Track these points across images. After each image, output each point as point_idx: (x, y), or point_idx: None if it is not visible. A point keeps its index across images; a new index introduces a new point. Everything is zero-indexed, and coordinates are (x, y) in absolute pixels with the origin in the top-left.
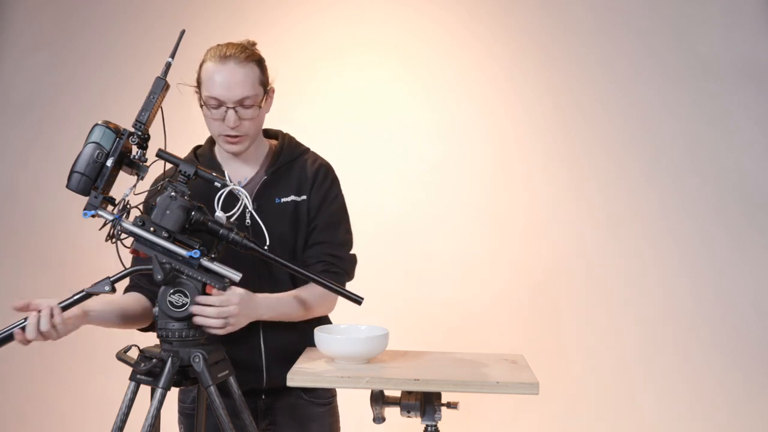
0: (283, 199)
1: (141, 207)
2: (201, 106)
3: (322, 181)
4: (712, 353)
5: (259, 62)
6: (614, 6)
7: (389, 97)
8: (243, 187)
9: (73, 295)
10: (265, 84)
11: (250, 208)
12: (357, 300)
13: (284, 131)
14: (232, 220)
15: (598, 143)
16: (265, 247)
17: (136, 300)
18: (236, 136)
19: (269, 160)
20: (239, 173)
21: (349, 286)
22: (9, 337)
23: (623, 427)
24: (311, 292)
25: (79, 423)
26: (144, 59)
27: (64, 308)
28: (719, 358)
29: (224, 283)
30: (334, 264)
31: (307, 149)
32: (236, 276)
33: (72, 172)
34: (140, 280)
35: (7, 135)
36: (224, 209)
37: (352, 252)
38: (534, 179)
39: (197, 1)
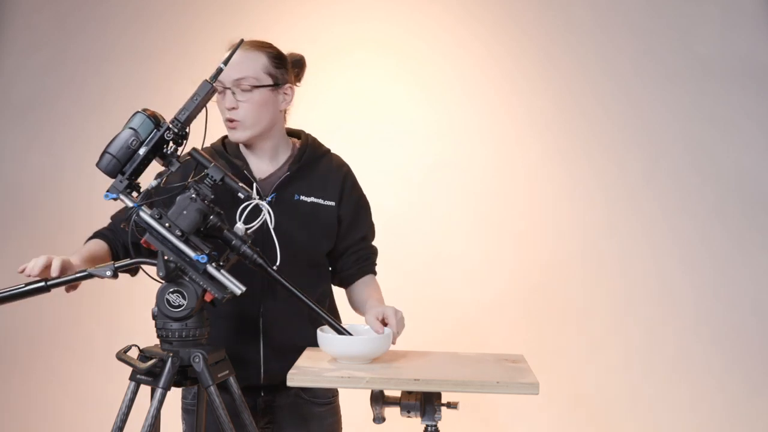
0: (303, 197)
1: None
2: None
3: (351, 190)
4: (712, 353)
5: (273, 55)
6: (614, 6)
7: (389, 97)
8: (263, 181)
9: (76, 273)
10: (275, 77)
11: (271, 225)
12: (342, 333)
13: (306, 131)
14: (249, 232)
15: (598, 143)
16: (275, 267)
17: (101, 247)
18: (233, 120)
19: (293, 158)
20: (259, 168)
21: None
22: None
23: (623, 427)
24: (377, 288)
25: (79, 423)
26: (144, 59)
27: (64, 283)
28: (719, 358)
29: (225, 294)
30: (370, 257)
31: (328, 150)
32: (238, 290)
33: (104, 152)
34: (107, 231)
35: (7, 135)
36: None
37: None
38: (534, 179)
39: (197, 1)
